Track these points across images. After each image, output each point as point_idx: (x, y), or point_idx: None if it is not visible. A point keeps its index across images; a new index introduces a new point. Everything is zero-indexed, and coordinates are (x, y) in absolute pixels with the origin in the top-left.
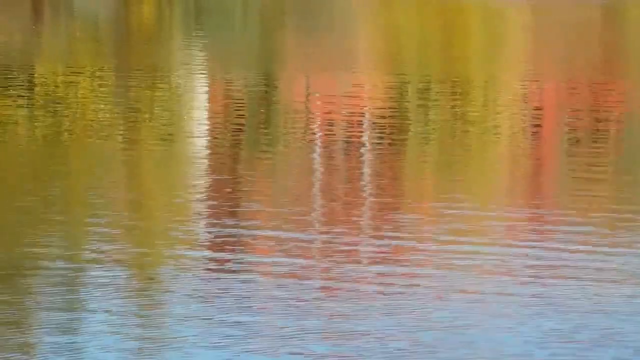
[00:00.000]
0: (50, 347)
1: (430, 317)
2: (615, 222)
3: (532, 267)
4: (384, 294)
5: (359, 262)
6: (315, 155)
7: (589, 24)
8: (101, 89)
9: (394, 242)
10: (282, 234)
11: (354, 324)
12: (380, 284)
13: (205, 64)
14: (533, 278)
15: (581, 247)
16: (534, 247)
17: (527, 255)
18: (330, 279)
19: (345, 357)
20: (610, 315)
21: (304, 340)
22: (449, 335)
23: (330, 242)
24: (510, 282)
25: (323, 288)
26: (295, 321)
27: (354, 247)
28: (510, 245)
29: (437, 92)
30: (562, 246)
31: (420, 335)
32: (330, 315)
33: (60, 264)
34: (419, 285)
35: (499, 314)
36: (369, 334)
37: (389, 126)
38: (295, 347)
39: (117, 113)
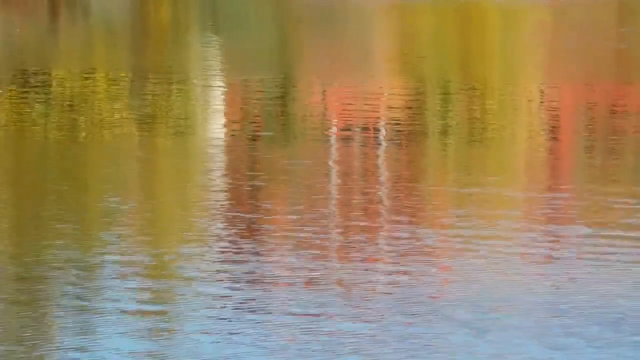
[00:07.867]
0: (63, 348)
1: (449, 306)
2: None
3: (550, 266)
4: (400, 285)
5: (375, 260)
6: (331, 154)
7: (607, 23)
8: (117, 89)
9: (412, 238)
10: (299, 233)
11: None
12: (393, 274)
13: (221, 64)
14: (550, 277)
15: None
16: (553, 248)
17: (544, 254)
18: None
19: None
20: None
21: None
22: (464, 324)
23: (347, 236)
24: (526, 279)
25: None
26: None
27: (372, 243)
28: (527, 244)
29: (455, 94)
30: (577, 245)
31: (436, 322)
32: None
33: (73, 259)
34: (437, 275)
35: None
36: (379, 326)
37: (406, 126)
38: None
39: (134, 112)
